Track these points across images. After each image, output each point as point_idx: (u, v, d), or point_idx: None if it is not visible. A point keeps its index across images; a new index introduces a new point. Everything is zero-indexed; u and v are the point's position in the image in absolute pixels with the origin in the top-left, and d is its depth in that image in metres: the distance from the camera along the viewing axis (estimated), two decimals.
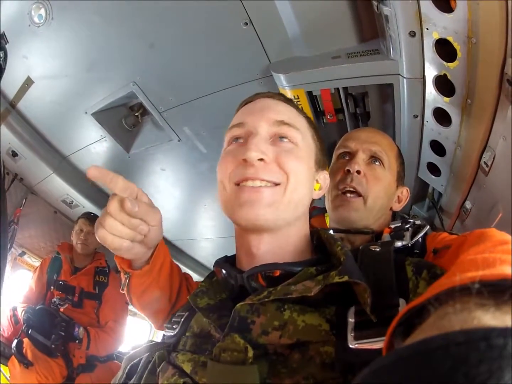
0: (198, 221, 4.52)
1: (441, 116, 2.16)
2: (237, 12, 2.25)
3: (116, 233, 0.95)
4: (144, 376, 0.95)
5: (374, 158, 1.56)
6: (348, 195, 1.52)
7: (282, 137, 1.02)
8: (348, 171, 1.53)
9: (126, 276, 1.20)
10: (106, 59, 2.83)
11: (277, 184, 0.97)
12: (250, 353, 0.77)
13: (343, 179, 1.54)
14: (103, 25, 2.58)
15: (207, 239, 4.65)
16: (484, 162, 2.02)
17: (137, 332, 5.27)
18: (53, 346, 3.29)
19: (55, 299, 3.56)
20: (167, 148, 3.49)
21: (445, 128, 2.17)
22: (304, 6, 2.11)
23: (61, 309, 3.53)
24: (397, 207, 1.64)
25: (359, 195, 1.51)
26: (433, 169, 2.55)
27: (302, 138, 1.05)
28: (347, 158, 1.61)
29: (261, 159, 0.97)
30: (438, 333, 0.35)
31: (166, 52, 2.68)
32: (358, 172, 1.52)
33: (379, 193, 1.53)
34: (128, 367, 1.03)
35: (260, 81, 2.69)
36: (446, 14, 1.64)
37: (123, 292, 1.24)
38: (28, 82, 3.12)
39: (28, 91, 3.20)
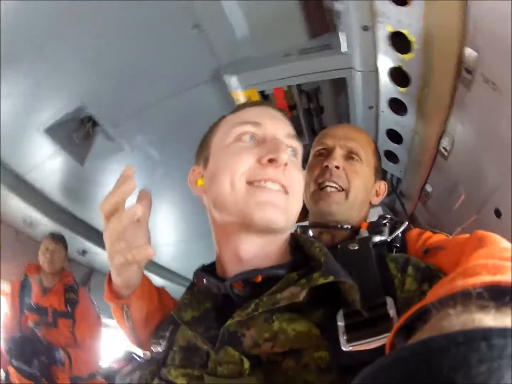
0: (156, 227, 4.35)
1: (397, 106, 2.08)
2: (186, 15, 2.09)
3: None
4: None
5: (351, 154, 1.48)
6: (328, 189, 1.43)
7: (291, 149, 0.99)
8: (326, 166, 1.44)
9: (125, 309, 1.07)
10: (53, 74, 2.55)
11: (286, 192, 0.92)
12: (246, 364, 0.73)
13: (321, 174, 1.45)
14: (47, 41, 2.31)
15: (167, 244, 4.52)
16: (443, 147, 1.98)
17: (112, 344, 5.10)
18: (37, 373, 3.15)
19: (31, 324, 3.39)
20: (121, 158, 3.28)
21: (401, 117, 2.10)
22: (251, 6, 1.97)
23: (38, 334, 3.36)
24: (376, 200, 1.58)
25: (340, 189, 1.43)
26: (391, 156, 2.49)
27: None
28: (324, 154, 1.52)
29: (286, 164, 0.91)
30: (439, 333, 0.34)
31: (114, 61, 2.46)
32: (337, 167, 1.44)
33: (360, 186, 1.46)
34: None
35: (210, 84, 2.55)
36: (401, 7, 1.53)
37: (130, 329, 1.10)
38: None
39: None
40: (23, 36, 2.31)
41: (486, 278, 0.46)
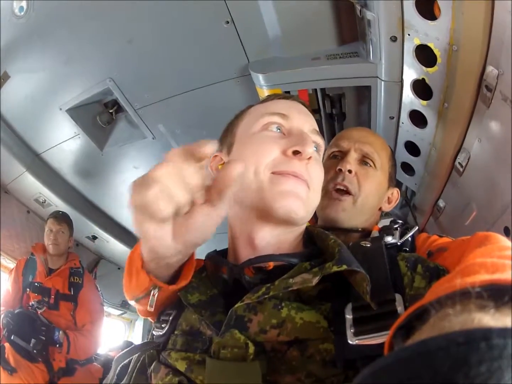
0: None
1: (417, 118, 2.17)
2: (219, 10, 2.20)
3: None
4: (133, 376, 0.92)
5: (365, 159, 1.51)
6: (336, 195, 1.47)
7: (315, 145, 1.00)
8: (340, 170, 1.48)
9: (156, 290, 0.94)
10: (84, 54, 2.70)
11: (307, 187, 0.94)
12: (251, 349, 0.74)
13: (334, 178, 1.49)
14: (82, 20, 2.46)
15: None
16: (459, 162, 2.06)
17: (112, 333, 5.15)
18: (34, 351, 3.18)
19: (33, 302, 3.42)
20: (141, 146, 3.39)
21: (421, 129, 2.19)
22: (286, 8, 2.07)
23: (39, 312, 3.39)
24: (387, 207, 1.61)
25: (349, 193, 1.46)
26: (407, 168, 2.57)
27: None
28: (338, 157, 1.55)
29: (309, 158, 0.94)
30: (439, 334, 0.34)
31: (144, 49, 2.59)
32: (350, 171, 1.47)
33: (370, 191, 1.49)
34: (119, 368, 0.98)
35: (237, 80, 2.65)
36: (429, 21, 1.64)
37: (151, 309, 0.96)
38: (4, 77, 2.95)
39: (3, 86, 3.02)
40: (56, 12, 2.47)
41: (485, 277, 0.47)
